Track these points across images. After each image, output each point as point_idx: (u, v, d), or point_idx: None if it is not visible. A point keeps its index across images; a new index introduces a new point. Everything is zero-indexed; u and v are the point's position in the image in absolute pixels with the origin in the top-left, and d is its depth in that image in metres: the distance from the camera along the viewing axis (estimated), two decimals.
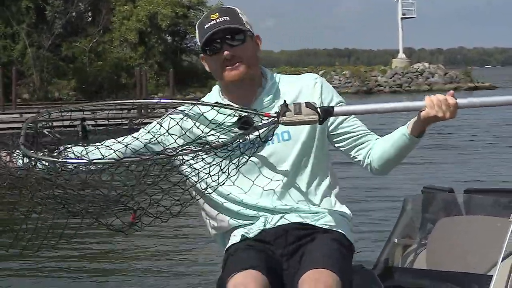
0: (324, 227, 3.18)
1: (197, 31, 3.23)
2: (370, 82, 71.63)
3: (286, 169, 3.18)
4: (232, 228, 3.27)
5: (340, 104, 3.22)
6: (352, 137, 3.23)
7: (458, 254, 3.82)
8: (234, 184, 3.14)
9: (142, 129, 3.31)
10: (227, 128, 3.04)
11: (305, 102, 2.87)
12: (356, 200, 13.04)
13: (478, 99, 3.03)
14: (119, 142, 3.14)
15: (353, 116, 3.23)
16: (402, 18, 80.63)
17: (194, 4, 59.58)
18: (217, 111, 3.11)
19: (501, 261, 3.56)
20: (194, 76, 58.56)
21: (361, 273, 3.34)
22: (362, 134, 3.25)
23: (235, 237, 3.23)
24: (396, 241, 4.13)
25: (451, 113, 2.96)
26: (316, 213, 3.21)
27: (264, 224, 3.19)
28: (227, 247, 3.24)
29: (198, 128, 3.09)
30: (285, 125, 2.86)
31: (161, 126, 3.20)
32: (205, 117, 3.16)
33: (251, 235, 3.18)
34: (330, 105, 3.17)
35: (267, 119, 2.86)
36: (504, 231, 3.65)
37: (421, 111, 2.99)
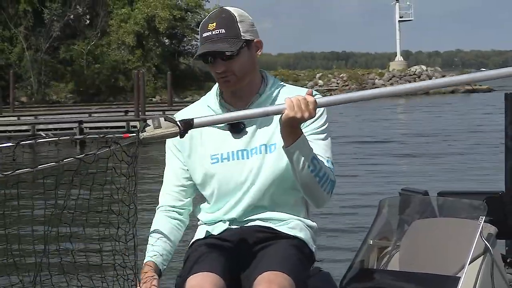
0: (287, 232, 3.24)
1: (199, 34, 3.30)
2: (368, 85, 71.61)
3: (265, 182, 3.24)
4: (201, 223, 3.38)
5: (320, 127, 3.23)
6: None
7: (430, 256, 3.88)
8: (210, 188, 3.29)
9: (168, 154, 3.41)
10: (221, 128, 3.26)
11: (164, 116, 2.89)
12: (332, 204, 13.13)
13: (336, 96, 3.03)
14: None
15: (319, 139, 3.21)
16: (399, 21, 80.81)
17: (191, 7, 59.67)
18: (212, 109, 3.30)
19: (469, 263, 3.63)
20: (191, 79, 58.70)
21: (317, 275, 3.39)
22: None
23: (200, 233, 3.34)
24: (371, 243, 4.18)
25: (310, 112, 2.97)
26: (282, 219, 3.27)
27: (230, 224, 3.28)
28: (191, 241, 3.35)
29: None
30: (146, 141, 2.85)
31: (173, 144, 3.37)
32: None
33: (215, 233, 3.28)
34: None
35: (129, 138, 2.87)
36: (473, 233, 3.72)
37: (282, 114, 2.99)
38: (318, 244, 3.39)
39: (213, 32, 3.20)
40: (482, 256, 3.70)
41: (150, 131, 2.84)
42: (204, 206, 3.37)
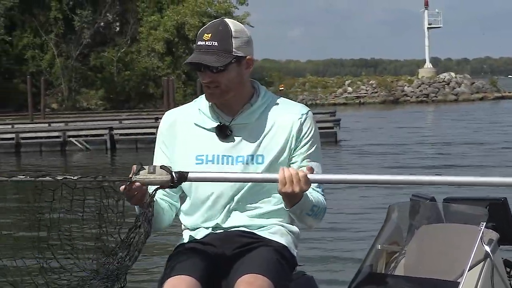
0: (268, 237, 3.33)
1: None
2: (397, 92, 71.47)
3: (248, 187, 3.32)
4: (184, 228, 3.47)
5: (311, 148, 3.32)
6: None
7: (434, 261, 3.95)
8: (191, 189, 3.38)
9: (157, 149, 3.49)
10: (207, 130, 3.35)
11: (161, 165, 2.99)
12: (339, 210, 13.20)
13: (331, 175, 3.12)
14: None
15: (311, 161, 3.30)
16: (428, 28, 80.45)
17: (221, 14, 59.75)
18: (203, 112, 3.41)
19: (470, 269, 3.71)
20: None
21: (300, 279, 3.47)
22: None
23: (184, 237, 3.43)
24: (379, 248, 4.26)
25: (301, 187, 3.05)
26: (263, 225, 3.36)
27: (213, 228, 3.36)
28: (176, 245, 3.43)
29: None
30: (136, 183, 2.97)
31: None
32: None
33: (198, 237, 3.37)
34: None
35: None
36: (474, 239, 3.81)
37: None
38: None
39: (206, 43, 3.29)
40: (483, 261, 3.75)
41: (143, 175, 2.96)
42: (185, 208, 3.43)
